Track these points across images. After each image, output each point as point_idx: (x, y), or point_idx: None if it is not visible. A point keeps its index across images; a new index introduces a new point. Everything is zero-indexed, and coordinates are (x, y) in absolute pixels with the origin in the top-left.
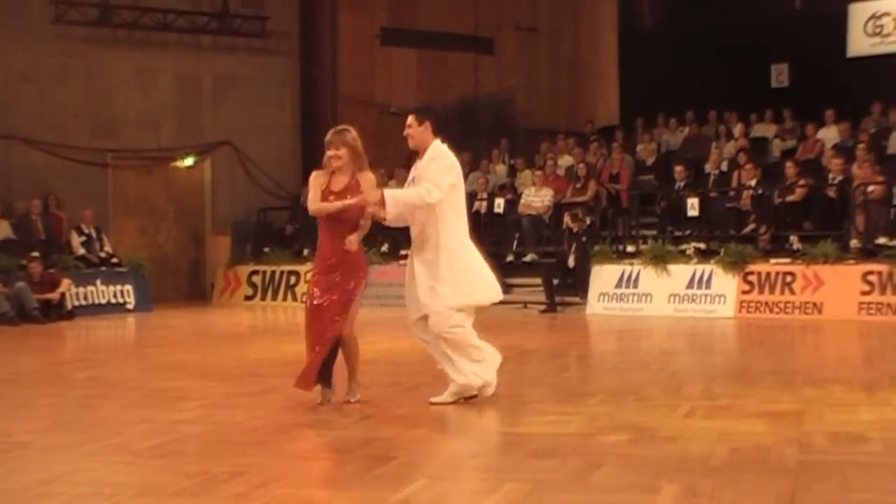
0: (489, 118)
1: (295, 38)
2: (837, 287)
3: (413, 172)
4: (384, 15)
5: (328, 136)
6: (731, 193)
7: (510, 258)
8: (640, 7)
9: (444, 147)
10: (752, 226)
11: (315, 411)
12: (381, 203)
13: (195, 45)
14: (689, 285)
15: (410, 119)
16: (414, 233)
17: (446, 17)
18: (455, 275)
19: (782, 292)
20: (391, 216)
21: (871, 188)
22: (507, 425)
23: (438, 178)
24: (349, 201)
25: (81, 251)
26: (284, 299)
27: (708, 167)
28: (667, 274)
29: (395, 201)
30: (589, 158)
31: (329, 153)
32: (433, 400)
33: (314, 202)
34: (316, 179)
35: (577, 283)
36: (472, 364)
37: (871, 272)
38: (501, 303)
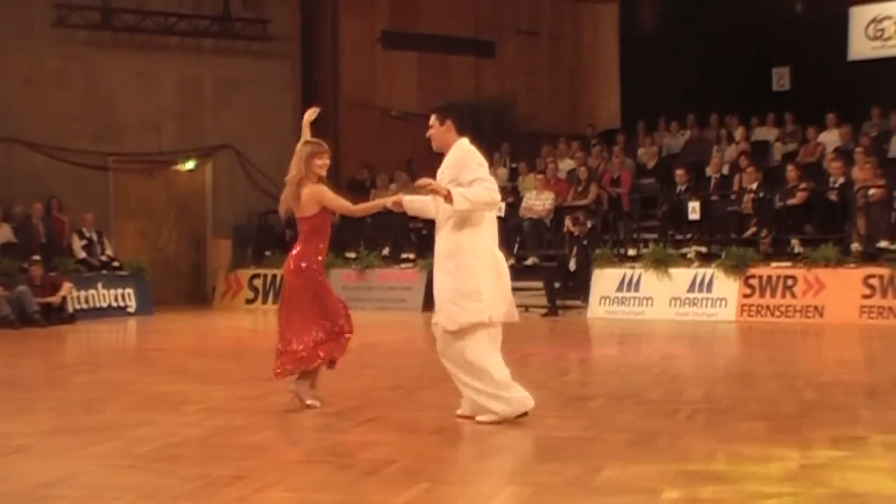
0: (490, 122)
1: (296, 42)
2: (839, 290)
3: (439, 176)
4: (385, 18)
5: (313, 148)
6: (733, 197)
7: (511, 262)
8: (642, 10)
9: (468, 144)
10: (753, 229)
11: (316, 415)
12: (449, 197)
13: (196, 48)
14: (690, 289)
15: (432, 118)
16: (437, 239)
17: (447, 21)
18: (449, 291)
19: (783, 296)
20: (412, 209)
21: (871, 191)
22: (508, 429)
23: (483, 174)
24: (393, 198)
25: (82, 255)
26: None
27: (709, 170)
28: (668, 277)
29: (464, 198)
30: (591, 162)
31: (323, 162)
32: (479, 419)
33: (346, 205)
34: (329, 192)
35: (578, 287)
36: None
37: (872, 276)
38: None
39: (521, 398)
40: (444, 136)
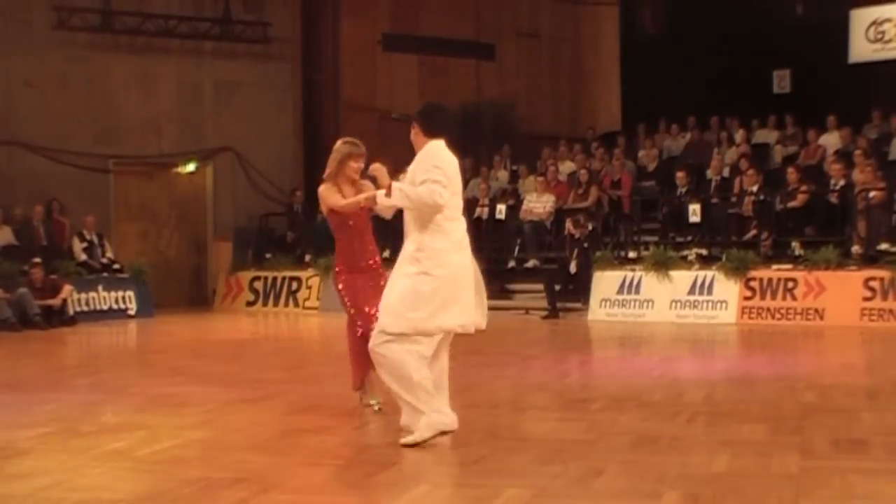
0: (491, 124)
1: (296, 44)
2: (839, 293)
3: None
4: (386, 21)
5: (351, 149)
6: (733, 199)
7: (512, 264)
8: (642, 13)
9: (436, 146)
10: (753, 232)
11: (317, 417)
12: (388, 191)
13: (197, 50)
14: (691, 291)
15: None
16: (405, 244)
17: (448, 24)
18: (402, 292)
19: (784, 298)
20: (382, 207)
21: (872, 194)
22: (509, 431)
23: (433, 176)
24: (370, 193)
25: (83, 257)
26: (286, 305)
27: (709, 173)
28: (668, 280)
29: (403, 194)
30: (594, 165)
31: (358, 165)
32: (403, 441)
33: (338, 201)
34: (330, 190)
35: (578, 289)
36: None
37: (872, 278)
38: (504, 308)
39: (439, 417)
40: (415, 141)
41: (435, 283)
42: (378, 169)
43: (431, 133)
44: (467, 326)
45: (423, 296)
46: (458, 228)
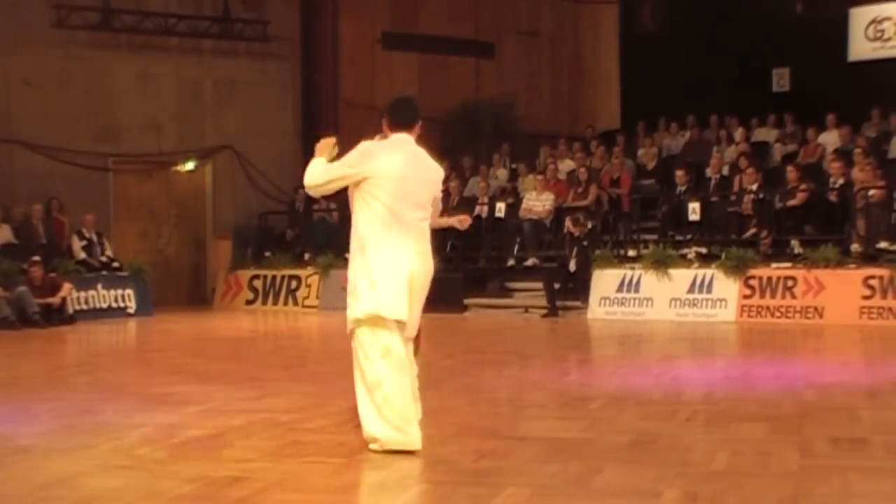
0: (490, 123)
1: (296, 43)
2: (838, 291)
3: None
4: (385, 19)
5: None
6: (733, 198)
7: (511, 262)
8: (642, 11)
9: (394, 139)
10: (753, 230)
11: (316, 416)
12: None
13: (196, 49)
14: (690, 290)
15: None
16: None
17: (447, 22)
18: (351, 286)
19: (783, 297)
20: None
21: (871, 192)
22: (508, 429)
23: (339, 164)
24: None
25: (82, 255)
26: (285, 304)
27: (709, 171)
28: (668, 278)
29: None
30: (594, 163)
31: None
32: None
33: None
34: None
35: (578, 288)
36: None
37: (872, 276)
38: (503, 307)
39: (396, 436)
40: (386, 134)
41: (355, 270)
42: (321, 144)
43: (392, 126)
44: (394, 312)
45: (353, 283)
46: (396, 217)
